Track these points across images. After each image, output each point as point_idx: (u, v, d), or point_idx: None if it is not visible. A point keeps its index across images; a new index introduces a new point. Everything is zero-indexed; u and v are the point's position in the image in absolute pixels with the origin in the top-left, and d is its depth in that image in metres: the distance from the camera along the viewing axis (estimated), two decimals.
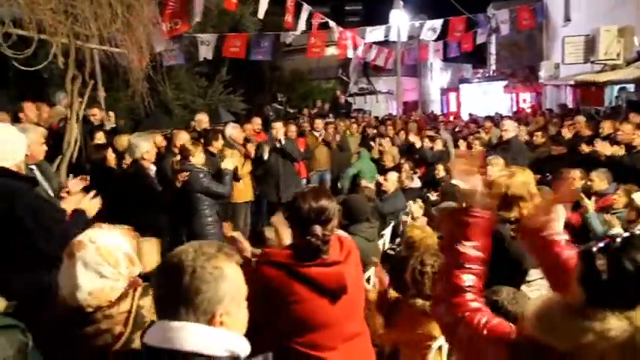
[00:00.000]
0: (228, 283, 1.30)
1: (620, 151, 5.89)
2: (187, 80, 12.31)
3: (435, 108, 22.12)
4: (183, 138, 5.47)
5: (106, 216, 2.74)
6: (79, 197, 3.05)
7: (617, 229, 4.08)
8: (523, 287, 2.76)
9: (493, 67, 22.10)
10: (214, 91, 12.96)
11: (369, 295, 2.93)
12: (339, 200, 3.94)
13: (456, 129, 11.97)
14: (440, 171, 6.82)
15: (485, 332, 1.37)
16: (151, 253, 2.61)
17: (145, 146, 4.75)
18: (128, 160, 4.97)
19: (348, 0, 33.92)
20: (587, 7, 13.69)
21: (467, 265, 1.49)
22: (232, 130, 6.75)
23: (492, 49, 21.72)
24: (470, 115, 15.89)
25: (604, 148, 5.94)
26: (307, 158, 7.96)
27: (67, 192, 3.26)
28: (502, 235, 2.68)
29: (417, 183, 6.77)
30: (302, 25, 10.90)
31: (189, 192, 4.71)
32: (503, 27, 14.55)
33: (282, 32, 11.33)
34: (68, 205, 2.95)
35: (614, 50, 11.45)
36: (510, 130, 6.66)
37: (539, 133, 7.73)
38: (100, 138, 5.91)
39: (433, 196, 5.82)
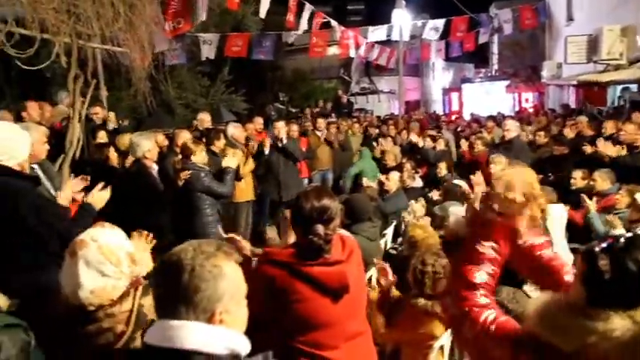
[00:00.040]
0: (228, 282, 1.30)
1: (622, 151, 5.87)
2: (189, 79, 12.30)
3: (437, 108, 22.05)
4: (185, 137, 5.47)
5: (107, 215, 2.75)
6: (69, 192, 3.06)
7: (620, 230, 4.07)
8: (524, 287, 2.76)
9: (495, 66, 22.00)
10: (216, 91, 12.95)
11: (370, 295, 2.94)
12: (342, 200, 3.94)
13: (458, 129, 11.95)
14: (442, 170, 6.82)
15: (492, 329, 1.37)
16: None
17: (147, 145, 4.75)
18: (130, 159, 4.98)
19: None
20: (589, 6, 13.66)
21: (482, 264, 1.49)
22: (234, 130, 6.75)
23: (495, 48, 21.63)
24: (472, 114, 15.84)
25: (606, 149, 5.92)
26: (309, 158, 7.97)
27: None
28: None
29: (418, 182, 6.76)
30: (304, 24, 10.87)
31: (191, 191, 4.70)
32: (505, 26, 14.51)
33: (284, 32, 11.30)
34: (63, 200, 2.96)
35: (616, 50, 11.42)
36: (512, 129, 6.66)
37: (542, 133, 7.71)
38: (102, 137, 5.93)
39: (435, 196, 5.81)
